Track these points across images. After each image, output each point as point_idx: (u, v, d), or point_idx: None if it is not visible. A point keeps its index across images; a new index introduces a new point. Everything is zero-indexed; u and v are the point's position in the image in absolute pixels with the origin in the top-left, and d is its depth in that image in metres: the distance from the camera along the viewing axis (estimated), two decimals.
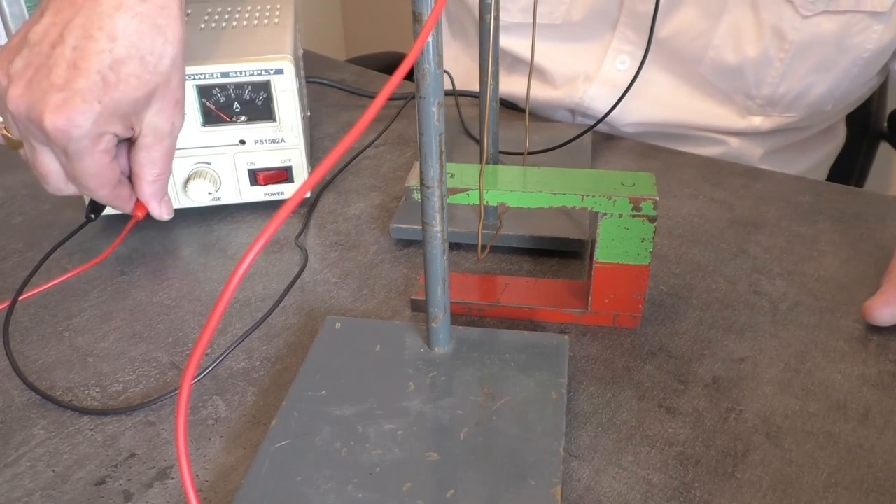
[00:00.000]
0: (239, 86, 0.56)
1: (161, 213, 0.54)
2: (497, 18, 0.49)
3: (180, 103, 0.50)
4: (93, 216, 0.54)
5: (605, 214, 0.44)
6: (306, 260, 0.55)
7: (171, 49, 0.48)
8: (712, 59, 0.71)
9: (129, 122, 0.48)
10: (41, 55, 0.46)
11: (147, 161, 0.51)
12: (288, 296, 0.52)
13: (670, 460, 0.39)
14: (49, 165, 0.49)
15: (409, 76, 0.32)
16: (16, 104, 0.46)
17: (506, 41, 0.78)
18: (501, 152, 0.65)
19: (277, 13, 0.66)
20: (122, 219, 0.57)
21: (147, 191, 0.52)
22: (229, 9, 0.68)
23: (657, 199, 0.44)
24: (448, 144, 0.47)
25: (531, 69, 0.53)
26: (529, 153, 0.65)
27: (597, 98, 0.75)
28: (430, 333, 0.43)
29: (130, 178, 0.52)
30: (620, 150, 0.72)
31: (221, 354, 0.46)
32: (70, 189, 0.51)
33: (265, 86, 0.56)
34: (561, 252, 0.56)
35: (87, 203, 0.56)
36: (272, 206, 0.61)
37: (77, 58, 0.45)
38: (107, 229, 0.59)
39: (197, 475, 0.39)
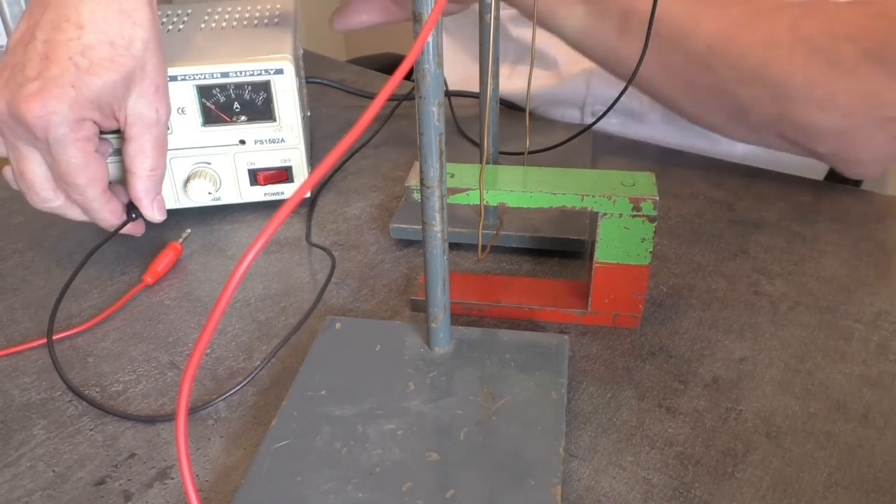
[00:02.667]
0: (239, 86, 0.56)
1: (153, 213, 0.53)
2: (497, 18, 0.49)
3: (161, 89, 0.50)
4: (134, 216, 0.53)
5: (605, 214, 0.44)
6: (334, 262, 0.55)
7: (141, 32, 0.48)
8: None
9: (110, 109, 0.48)
10: (16, 55, 0.47)
11: (137, 152, 0.50)
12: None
13: (670, 460, 0.39)
14: (35, 171, 0.49)
15: (409, 76, 0.32)
16: None
17: (518, 32, 0.78)
18: (501, 152, 0.65)
19: (277, 13, 0.66)
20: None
21: (139, 187, 0.51)
22: (229, 9, 0.68)
23: (657, 199, 0.44)
24: None
25: (531, 70, 0.53)
26: (529, 153, 0.65)
27: (602, 87, 0.74)
28: (430, 333, 0.43)
29: (125, 187, 0.52)
30: (620, 150, 0.72)
31: (250, 374, 0.46)
32: (58, 199, 0.50)
33: (265, 86, 0.56)
34: (561, 252, 0.56)
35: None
36: (272, 206, 0.61)
37: (48, 49, 0.46)
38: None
39: (197, 475, 0.39)
